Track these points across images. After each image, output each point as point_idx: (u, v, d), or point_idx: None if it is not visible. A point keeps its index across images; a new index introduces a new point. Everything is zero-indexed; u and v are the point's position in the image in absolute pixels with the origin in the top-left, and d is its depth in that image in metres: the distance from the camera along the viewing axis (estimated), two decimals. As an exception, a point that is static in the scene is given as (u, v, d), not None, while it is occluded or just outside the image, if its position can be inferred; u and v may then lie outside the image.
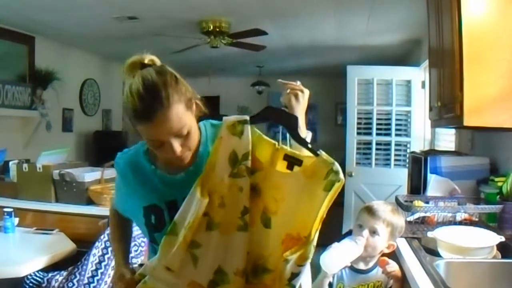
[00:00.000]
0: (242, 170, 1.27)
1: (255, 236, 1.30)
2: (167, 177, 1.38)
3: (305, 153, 1.30)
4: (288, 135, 1.34)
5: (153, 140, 1.24)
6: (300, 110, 1.46)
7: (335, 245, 1.75)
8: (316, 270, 1.77)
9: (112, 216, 1.64)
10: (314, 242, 1.26)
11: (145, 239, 2.67)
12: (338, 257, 1.71)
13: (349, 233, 1.91)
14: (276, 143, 1.30)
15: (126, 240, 1.63)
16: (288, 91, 1.48)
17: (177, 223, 1.28)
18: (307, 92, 1.49)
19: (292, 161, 1.29)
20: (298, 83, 1.51)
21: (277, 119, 1.32)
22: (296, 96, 1.47)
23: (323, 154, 1.27)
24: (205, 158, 1.33)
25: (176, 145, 1.24)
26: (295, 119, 1.34)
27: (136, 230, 2.50)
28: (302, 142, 1.33)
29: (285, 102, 1.48)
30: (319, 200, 1.25)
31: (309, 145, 1.32)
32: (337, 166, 1.25)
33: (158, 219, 1.37)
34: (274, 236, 1.30)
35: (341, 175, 1.25)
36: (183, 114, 1.22)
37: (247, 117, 1.29)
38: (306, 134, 1.43)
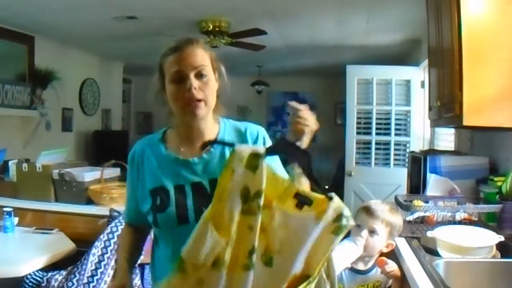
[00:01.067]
0: (254, 208, 1.22)
1: (254, 274, 1.26)
2: (180, 159, 1.43)
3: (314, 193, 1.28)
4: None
5: (175, 71, 1.37)
6: (306, 142, 1.39)
7: (335, 246, 1.75)
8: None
9: (125, 232, 1.61)
10: (316, 281, 1.27)
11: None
12: (339, 259, 1.71)
13: (348, 233, 1.91)
14: (288, 179, 1.27)
15: (133, 260, 1.57)
16: (299, 119, 1.38)
17: (185, 260, 1.23)
18: (317, 126, 1.43)
19: (303, 200, 1.26)
20: (305, 108, 1.43)
21: (291, 155, 1.29)
22: (306, 128, 1.39)
23: (335, 198, 1.27)
24: (219, 152, 1.42)
25: (194, 81, 1.37)
26: (309, 157, 1.32)
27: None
28: (317, 183, 1.31)
29: (294, 129, 1.38)
30: (326, 242, 1.24)
31: (324, 187, 1.30)
32: (347, 211, 1.26)
33: (162, 200, 1.39)
34: (275, 275, 1.27)
35: (352, 220, 1.25)
36: (205, 60, 1.41)
37: (263, 151, 1.25)
38: None
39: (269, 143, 1.51)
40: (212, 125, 1.49)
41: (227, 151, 1.43)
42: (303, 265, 1.25)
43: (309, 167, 1.30)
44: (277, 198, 1.26)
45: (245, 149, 1.25)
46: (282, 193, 1.26)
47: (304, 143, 1.35)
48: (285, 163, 1.30)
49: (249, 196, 1.23)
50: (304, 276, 1.25)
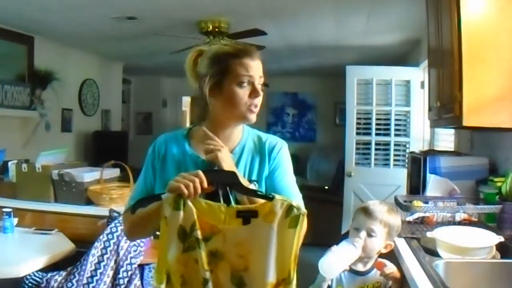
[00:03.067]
0: (193, 242, 1.27)
1: None
2: (200, 159, 1.47)
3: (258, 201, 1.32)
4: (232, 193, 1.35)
5: (245, 75, 1.44)
6: (230, 164, 1.43)
7: (334, 248, 1.74)
8: (316, 271, 1.77)
9: (127, 217, 1.53)
10: (294, 281, 1.28)
11: (144, 240, 2.67)
12: (337, 261, 1.71)
13: (348, 234, 1.91)
14: (223, 205, 1.30)
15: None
16: (211, 147, 1.43)
17: None
18: (226, 148, 1.45)
19: (247, 215, 1.29)
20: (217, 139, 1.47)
21: (218, 180, 1.33)
22: (220, 151, 1.42)
23: (276, 196, 1.29)
24: (237, 158, 1.47)
25: (259, 86, 1.46)
26: (233, 174, 1.36)
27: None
28: (250, 192, 1.35)
29: (210, 159, 1.42)
30: (288, 239, 1.26)
31: (259, 192, 1.34)
32: (295, 202, 1.29)
33: None
34: None
35: (302, 207, 1.28)
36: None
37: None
38: (248, 185, 1.41)
39: (284, 157, 1.53)
40: (238, 131, 1.55)
41: (244, 159, 1.50)
42: (276, 271, 1.27)
43: (239, 182, 1.34)
44: (222, 222, 1.29)
45: (168, 196, 1.29)
46: (224, 218, 1.29)
47: (223, 165, 1.39)
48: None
49: (187, 233, 1.27)
50: (281, 281, 1.27)
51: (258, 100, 1.46)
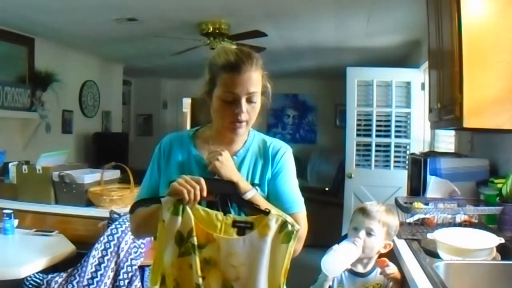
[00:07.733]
0: (189, 248, 1.29)
1: None
2: (203, 161, 1.47)
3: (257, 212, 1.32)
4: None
5: (229, 92, 1.40)
6: (230, 169, 1.43)
7: (335, 247, 1.75)
8: (317, 272, 1.77)
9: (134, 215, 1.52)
10: None
11: (144, 241, 2.67)
12: (340, 260, 1.72)
13: (345, 236, 1.92)
14: (221, 213, 1.32)
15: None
16: (211, 155, 1.45)
17: None
18: (226, 152, 1.45)
19: (242, 226, 1.31)
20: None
21: (216, 190, 1.34)
22: (218, 159, 1.42)
23: (272, 210, 1.31)
24: (239, 161, 1.48)
25: (245, 106, 1.41)
26: (232, 185, 1.37)
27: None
28: (247, 205, 1.37)
29: (209, 169, 1.43)
30: (280, 254, 1.28)
31: (256, 205, 1.34)
32: (289, 218, 1.30)
33: None
34: None
35: (296, 224, 1.30)
36: (259, 86, 1.45)
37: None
38: (250, 189, 1.41)
39: (287, 162, 1.53)
40: (242, 135, 1.54)
41: (247, 161, 1.50)
42: (267, 284, 1.29)
43: (236, 193, 1.36)
44: (218, 231, 1.31)
45: (168, 199, 1.31)
46: (221, 225, 1.31)
47: (223, 173, 1.40)
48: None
49: (184, 238, 1.29)
50: None
51: (245, 116, 1.43)
